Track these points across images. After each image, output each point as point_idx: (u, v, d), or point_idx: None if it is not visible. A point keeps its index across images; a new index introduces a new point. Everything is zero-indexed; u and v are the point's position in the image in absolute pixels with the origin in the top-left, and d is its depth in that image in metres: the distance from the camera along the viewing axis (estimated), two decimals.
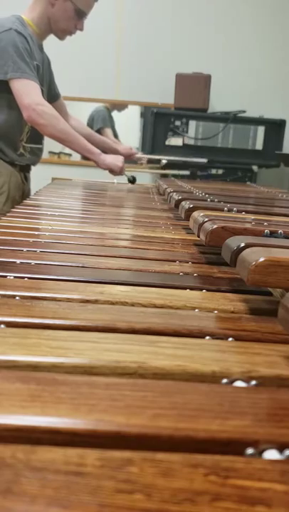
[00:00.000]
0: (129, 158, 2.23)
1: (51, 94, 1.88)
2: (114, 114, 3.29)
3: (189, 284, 0.66)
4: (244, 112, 2.86)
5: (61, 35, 1.76)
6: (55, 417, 0.30)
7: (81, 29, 1.76)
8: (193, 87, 2.82)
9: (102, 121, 3.10)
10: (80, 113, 3.16)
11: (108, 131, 3.07)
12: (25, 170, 1.81)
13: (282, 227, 0.75)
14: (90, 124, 3.03)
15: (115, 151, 2.07)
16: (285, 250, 0.59)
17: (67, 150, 2.68)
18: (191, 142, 2.79)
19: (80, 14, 1.71)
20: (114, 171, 1.92)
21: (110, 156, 1.90)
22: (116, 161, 1.89)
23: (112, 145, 2.18)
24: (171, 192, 1.36)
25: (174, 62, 2.97)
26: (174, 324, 0.49)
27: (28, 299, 0.55)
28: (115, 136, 3.10)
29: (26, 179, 1.84)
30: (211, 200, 1.19)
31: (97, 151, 1.84)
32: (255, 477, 0.25)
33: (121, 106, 3.25)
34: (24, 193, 1.82)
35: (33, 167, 1.88)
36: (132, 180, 2.09)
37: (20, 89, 1.59)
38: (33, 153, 1.80)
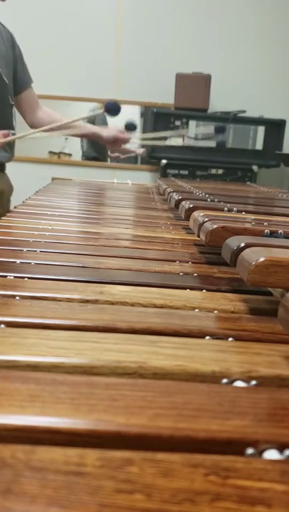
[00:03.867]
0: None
1: (18, 84, 1.72)
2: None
3: (189, 284, 0.65)
4: (244, 112, 2.86)
5: None
6: (55, 417, 0.30)
7: None
8: (193, 87, 2.82)
9: (102, 121, 3.08)
10: (80, 113, 3.17)
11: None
12: None
13: (282, 227, 0.75)
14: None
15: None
16: (285, 250, 0.59)
17: (67, 150, 2.67)
18: (191, 142, 2.79)
19: None
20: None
21: None
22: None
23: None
24: (171, 192, 1.36)
25: (174, 62, 2.97)
26: (174, 324, 0.49)
27: (28, 299, 0.55)
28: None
29: (1, 178, 1.74)
30: (211, 200, 1.19)
31: None
32: (255, 477, 0.25)
33: None
34: (4, 194, 1.72)
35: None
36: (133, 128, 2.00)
37: None
38: (3, 150, 1.68)
